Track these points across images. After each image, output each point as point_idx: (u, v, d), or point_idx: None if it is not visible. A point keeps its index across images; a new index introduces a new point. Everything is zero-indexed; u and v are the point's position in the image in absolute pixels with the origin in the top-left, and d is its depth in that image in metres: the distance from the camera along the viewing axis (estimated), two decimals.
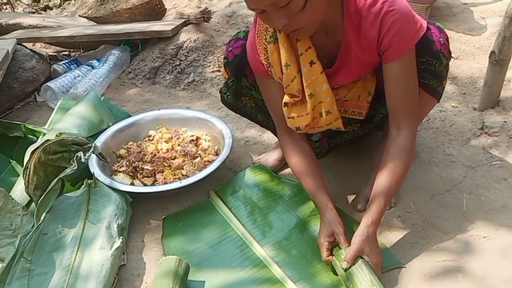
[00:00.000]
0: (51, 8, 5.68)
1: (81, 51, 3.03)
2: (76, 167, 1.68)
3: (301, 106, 1.56)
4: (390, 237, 1.60)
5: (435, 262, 1.49)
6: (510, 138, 1.89)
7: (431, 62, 1.55)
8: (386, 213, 1.68)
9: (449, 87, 2.21)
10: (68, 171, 1.68)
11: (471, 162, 1.85)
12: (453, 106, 2.10)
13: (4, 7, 6.00)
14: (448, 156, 1.89)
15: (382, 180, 1.48)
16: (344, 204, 1.75)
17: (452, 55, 2.31)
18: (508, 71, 2.01)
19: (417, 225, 1.64)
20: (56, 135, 1.92)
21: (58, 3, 4.92)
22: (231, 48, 1.68)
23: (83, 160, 1.70)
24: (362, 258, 1.39)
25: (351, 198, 1.78)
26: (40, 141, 1.70)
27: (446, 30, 2.26)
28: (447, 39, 1.60)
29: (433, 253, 1.53)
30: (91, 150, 1.74)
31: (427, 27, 1.52)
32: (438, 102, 1.68)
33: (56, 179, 1.65)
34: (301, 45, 1.49)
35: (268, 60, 1.54)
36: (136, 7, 2.85)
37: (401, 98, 1.49)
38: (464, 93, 2.18)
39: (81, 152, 1.72)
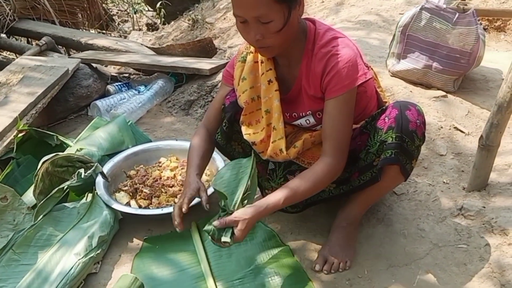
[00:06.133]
0: (156, 28, 6.36)
1: (140, 75, 3.39)
2: (75, 181, 1.96)
3: (256, 125, 1.79)
4: None
5: None
6: (483, 224, 1.88)
7: (404, 139, 1.64)
8: (338, 274, 1.77)
9: (450, 162, 2.22)
10: (68, 183, 1.95)
11: (439, 240, 1.87)
12: (444, 182, 2.11)
13: (123, 24, 6.83)
14: (420, 230, 1.92)
15: (284, 187, 1.65)
16: (304, 261, 1.85)
17: (466, 130, 2.37)
18: (507, 157, 2.01)
19: None
20: (77, 150, 2.23)
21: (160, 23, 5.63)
22: (229, 96, 1.87)
23: (82, 176, 1.97)
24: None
25: (311, 254, 1.87)
26: (52, 154, 1.99)
27: (468, 104, 2.48)
28: (423, 123, 1.72)
29: None
30: (92, 168, 2.00)
31: (407, 107, 1.69)
32: (405, 180, 1.77)
33: (56, 189, 1.94)
34: (264, 66, 1.74)
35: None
36: (189, 43, 3.15)
37: (331, 131, 1.66)
38: (463, 171, 2.17)
39: (83, 169, 1.99)
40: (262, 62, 1.75)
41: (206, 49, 3.18)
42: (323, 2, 4.12)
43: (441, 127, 2.37)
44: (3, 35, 4.03)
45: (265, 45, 1.59)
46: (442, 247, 1.85)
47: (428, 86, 2.64)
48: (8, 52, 4.57)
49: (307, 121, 1.79)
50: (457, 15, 2.54)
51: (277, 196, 1.62)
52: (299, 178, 1.67)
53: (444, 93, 2.58)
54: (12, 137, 2.35)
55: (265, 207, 1.59)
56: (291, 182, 1.68)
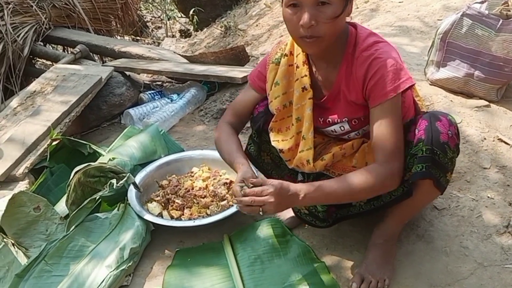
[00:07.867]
0: (189, 35, 6.41)
1: (173, 83, 3.39)
2: (107, 192, 1.94)
3: (286, 132, 1.72)
4: None
5: None
6: None
7: (435, 152, 1.56)
8: None
9: (495, 176, 2.11)
10: (100, 193, 1.94)
11: (484, 259, 1.77)
12: (488, 197, 2.00)
13: (156, 30, 6.95)
14: (463, 248, 1.82)
15: (335, 180, 1.57)
16: (341, 279, 1.78)
17: (511, 142, 2.25)
18: None
19: None
20: (109, 159, 2.22)
21: (193, 30, 5.73)
22: (257, 105, 1.83)
23: (114, 186, 1.95)
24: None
25: (348, 272, 1.80)
26: (85, 164, 1.98)
27: None
28: (456, 133, 1.62)
29: None
30: (125, 179, 1.98)
31: (438, 118, 1.60)
32: (441, 194, 1.67)
33: (89, 199, 1.92)
34: (299, 72, 1.66)
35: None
36: (221, 51, 3.13)
37: (381, 139, 1.55)
38: (508, 185, 2.06)
39: (115, 179, 1.97)
40: (297, 67, 1.68)
41: (238, 57, 3.15)
42: (357, 8, 4.04)
43: (484, 139, 2.26)
44: (39, 43, 4.09)
45: (316, 33, 1.48)
46: (487, 267, 1.75)
47: (469, 95, 2.54)
48: (44, 60, 4.65)
49: (342, 127, 1.71)
50: (500, 22, 2.43)
51: (311, 183, 1.54)
52: (340, 177, 1.57)
53: (486, 103, 2.47)
54: (45, 146, 2.36)
55: (298, 184, 1.52)
56: (330, 180, 1.59)
